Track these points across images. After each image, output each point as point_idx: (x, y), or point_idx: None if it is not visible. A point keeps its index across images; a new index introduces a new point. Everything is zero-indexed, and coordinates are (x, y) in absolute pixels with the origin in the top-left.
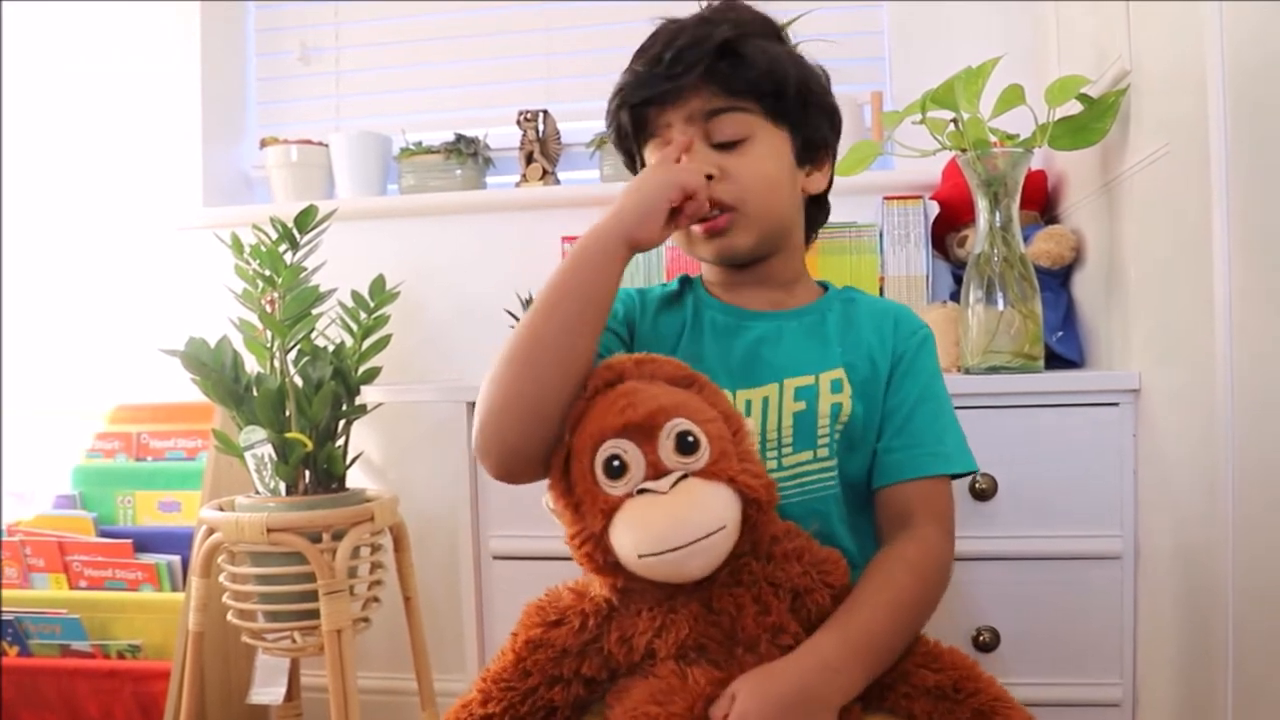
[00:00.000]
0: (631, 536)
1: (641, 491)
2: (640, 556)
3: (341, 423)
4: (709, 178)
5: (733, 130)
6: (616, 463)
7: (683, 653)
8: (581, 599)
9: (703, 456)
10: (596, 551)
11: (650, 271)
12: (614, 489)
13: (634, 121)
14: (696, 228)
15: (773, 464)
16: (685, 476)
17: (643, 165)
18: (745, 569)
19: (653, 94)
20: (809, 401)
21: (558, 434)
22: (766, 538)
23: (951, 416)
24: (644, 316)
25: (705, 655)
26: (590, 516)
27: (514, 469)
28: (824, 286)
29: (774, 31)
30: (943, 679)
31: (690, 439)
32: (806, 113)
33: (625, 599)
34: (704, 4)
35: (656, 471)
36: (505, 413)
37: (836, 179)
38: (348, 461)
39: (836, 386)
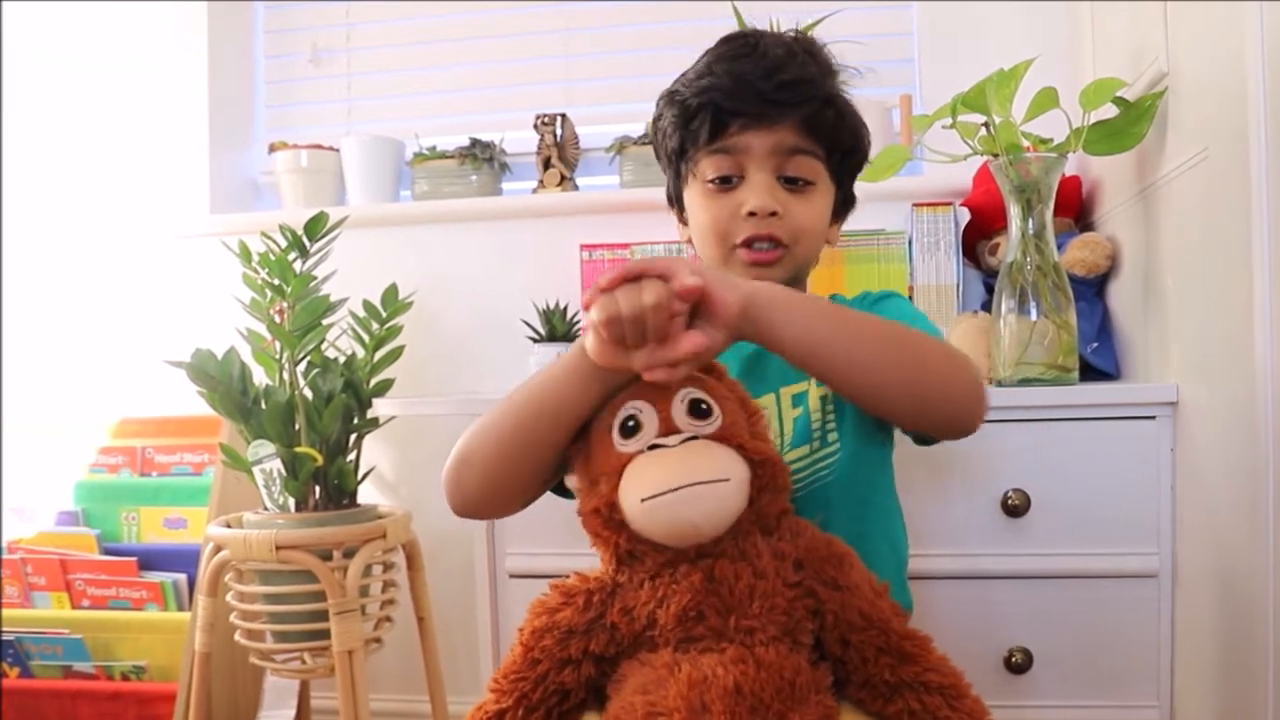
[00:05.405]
0: (637, 482)
1: (652, 448)
2: (643, 500)
3: (353, 437)
4: (773, 214)
5: (808, 171)
6: (631, 422)
7: (684, 620)
8: (586, 579)
9: (714, 422)
10: (603, 506)
11: None
12: (626, 447)
13: (713, 124)
14: (744, 255)
15: None
16: (695, 439)
17: (686, 162)
18: (750, 542)
19: (750, 110)
20: (804, 406)
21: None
22: (773, 514)
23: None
24: None
25: (704, 622)
26: (603, 476)
27: (470, 515)
28: None
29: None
30: (945, 680)
31: (703, 406)
32: (855, 174)
33: (628, 567)
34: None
35: (668, 429)
36: (464, 491)
37: (865, 184)
38: (359, 477)
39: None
